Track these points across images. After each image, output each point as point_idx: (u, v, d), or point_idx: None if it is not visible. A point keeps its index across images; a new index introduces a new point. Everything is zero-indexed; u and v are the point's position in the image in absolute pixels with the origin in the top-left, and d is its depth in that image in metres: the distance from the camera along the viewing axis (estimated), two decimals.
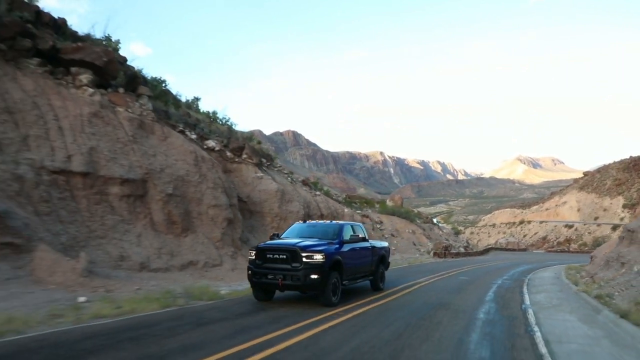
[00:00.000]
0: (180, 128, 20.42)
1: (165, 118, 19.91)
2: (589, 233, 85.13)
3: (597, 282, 13.81)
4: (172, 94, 25.32)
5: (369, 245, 11.56)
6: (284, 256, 8.86)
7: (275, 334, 6.43)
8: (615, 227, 74.14)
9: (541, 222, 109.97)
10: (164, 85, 24.58)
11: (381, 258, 12.21)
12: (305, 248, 8.86)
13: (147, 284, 11.26)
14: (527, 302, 11.19)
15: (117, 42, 19.87)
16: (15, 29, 14.04)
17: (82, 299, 8.61)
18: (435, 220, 74.25)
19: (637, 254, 13.70)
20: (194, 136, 20.99)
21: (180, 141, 17.94)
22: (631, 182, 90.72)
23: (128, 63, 19.53)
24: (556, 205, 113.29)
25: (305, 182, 33.51)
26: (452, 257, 37.93)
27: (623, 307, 8.62)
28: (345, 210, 34.90)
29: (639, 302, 8.72)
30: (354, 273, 10.45)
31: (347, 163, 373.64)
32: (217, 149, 22.03)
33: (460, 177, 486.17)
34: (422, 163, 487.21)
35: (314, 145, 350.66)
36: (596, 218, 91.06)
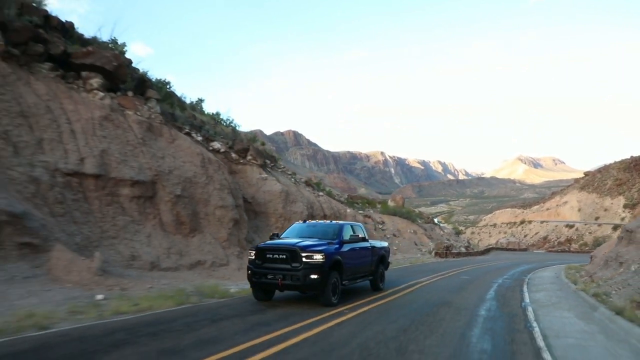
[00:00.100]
0: (187, 130, 20.78)
1: (172, 120, 20.27)
2: (589, 233, 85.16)
3: (595, 281, 14.12)
4: (176, 95, 25.69)
5: (369, 245, 11.53)
6: (284, 256, 8.85)
7: (285, 330, 6.72)
8: (616, 227, 74.07)
9: (542, 222, 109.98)
10: (168, 87, 24.94)
11: (381, 258, 12.17)
12: (305, 248, 8.85)
13: (159, 283, 11.62)
14: (527, 300, 11.51)
15: (123, 45, 20.22)
16: (27, 34, 14.43)
17: (99, 296, 8.97)
18: (436, 220, 74.38)
19: (634, 254, 14.02)
20: (199, 138, 21.34)
21: (187, 143, 18.32)
22: (632, 182, 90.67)
23: (133, 65, 19.90)
24: (557, 205, 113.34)
25: (308, 183, 33.83)
26: (454, 257, 38.23)
27: (619, 304, 8.94)
28: (348, 210, 35.21)
29: (634, 299, 9.04)
30: (353, 273, 10.43)
31: (348, 163, 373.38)
32: (222, 150, 22.37)
33: (461, 177, 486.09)
34: (423, 163, 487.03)
35: (315, 145, 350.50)
36: (597, 218, 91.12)
